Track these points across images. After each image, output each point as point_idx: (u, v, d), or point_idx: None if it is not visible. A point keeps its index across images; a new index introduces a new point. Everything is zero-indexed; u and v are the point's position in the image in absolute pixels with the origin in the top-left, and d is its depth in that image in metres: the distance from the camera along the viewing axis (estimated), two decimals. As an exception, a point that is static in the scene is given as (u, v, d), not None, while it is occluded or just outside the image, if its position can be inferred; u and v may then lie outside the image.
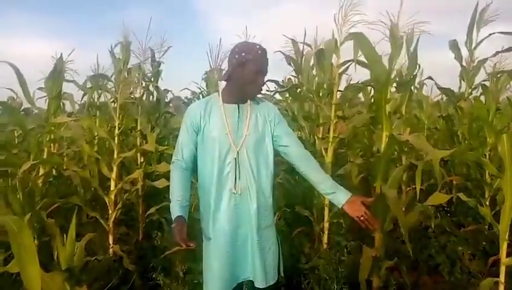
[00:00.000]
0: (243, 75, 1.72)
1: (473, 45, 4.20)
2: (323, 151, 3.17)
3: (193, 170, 1.85)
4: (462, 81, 4.40)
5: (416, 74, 3.50)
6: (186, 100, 5.53)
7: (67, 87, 4.49)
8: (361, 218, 1.72)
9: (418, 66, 3.45)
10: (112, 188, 2.84)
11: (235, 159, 1.75)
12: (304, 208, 3.49)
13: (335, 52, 2.87)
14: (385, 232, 2.31)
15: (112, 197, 2.83)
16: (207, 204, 1.79)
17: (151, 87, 4.27)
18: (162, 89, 4.60)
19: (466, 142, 4.13)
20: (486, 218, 2.10)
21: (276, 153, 1.89)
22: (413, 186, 3.84)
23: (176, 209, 1.70)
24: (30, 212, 2.94)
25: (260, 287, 1.78)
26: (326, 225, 2.98)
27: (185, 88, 5.29)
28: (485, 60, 4.13)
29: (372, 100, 4.62)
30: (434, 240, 3.31)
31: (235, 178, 1.75)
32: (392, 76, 2.71)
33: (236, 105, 1.81)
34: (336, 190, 1.78)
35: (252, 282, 1.81)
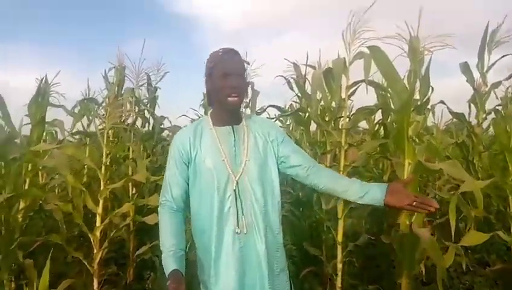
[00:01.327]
0: (213, 86, 1.49)
1: (485, 68, 4.01)
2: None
3: (185, 210, 1.56)
4: (473, 107, 4.21)
5: (429, 97, 3.29)
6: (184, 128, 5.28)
7: (57, 114, 4.25)
8: (414, 204, 1.39)
9: (431, 89, 3.24)
10: (98, 224, 2.52)
11: (235, 190, 1.46)
12: (312, 245, 3.16)
13: (344, 72, 2.64)
14: (412, 275, 2.00)
15: (97, 234, 2.50)
16: (206, 251, 1.47)
17: (147, 114, 4.05)
18: (159, 115, 4.39)
19: (481, 170, 3.87)
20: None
21: (284, 177, 1.60)
22: (428, 219, 3.54)
23: (170, 262, 1.39)
24: (6, 251, 2.63)
25: None
26: (339, 265, 2.64)
27: (183, 115, 5.07)
28: (499, 83, 3.92)
29: (380, 126, 4.39)
30: (458, 281, 2.98)
31: (237, 214, 1.45)
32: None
33: (230, 127, 1.54)
34: (367, 189, 1.47)
35: None
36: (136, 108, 3.63)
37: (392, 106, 3.45)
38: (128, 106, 3.39)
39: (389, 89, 2.12)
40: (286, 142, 1.59)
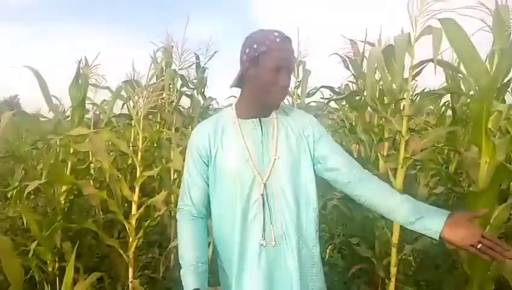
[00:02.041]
0: (257, 76, 1.21)
1: None
2: (390, 173, 2.55)
3: (208, 216, 1.35)
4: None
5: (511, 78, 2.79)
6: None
7: (106, 95, 4.25)
8: (479, 247, 1.04)
9: (514, 68, 2.74)
10: (133, 212, 2.42)
11: (262, 195, 1.22)
12: (363, 242, 2.85)
13: (408, 50, 2.25)
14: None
15: (133, 222, 2.40)
16: (228, 265, 1.27)
17: (196, 95, 3.91)
18: (207, 97, 4.24)
19: None
20: None
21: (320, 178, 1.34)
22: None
23: (189, 279, 1.19)
24: (48, 233, 2.63)
25: None
26: (393, 269, 2.34)
27: (231, 96, 4.90)
28: None
29: (447, 108, 3.91)
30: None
31: (263, 223, 1.22)
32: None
33: (257, 119, 1.29)
34: (421, 213, 1.13)
35: None
36: (182, 89, 3.48)
37: (463, 89, 3.00)
38: (170, 88, 3.25)
39: (464, 71, 1.73)
40: (325, 139, 1.31)
